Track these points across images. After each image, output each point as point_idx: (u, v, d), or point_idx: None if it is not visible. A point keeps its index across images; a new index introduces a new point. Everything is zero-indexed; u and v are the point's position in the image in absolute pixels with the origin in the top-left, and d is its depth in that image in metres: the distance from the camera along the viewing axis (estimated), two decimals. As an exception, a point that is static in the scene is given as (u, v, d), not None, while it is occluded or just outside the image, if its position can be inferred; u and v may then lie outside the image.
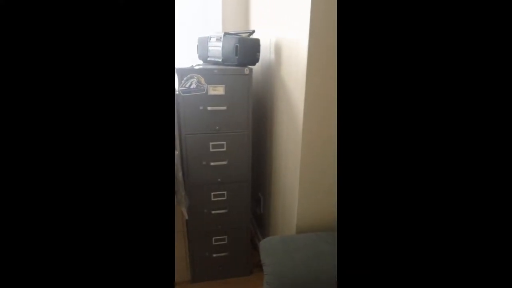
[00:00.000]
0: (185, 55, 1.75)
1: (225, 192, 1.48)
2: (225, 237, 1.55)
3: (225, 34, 1.36)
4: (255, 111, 1.81)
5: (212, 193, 1.46)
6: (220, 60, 1.38)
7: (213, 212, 1.48)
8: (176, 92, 1.29)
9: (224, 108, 1.35)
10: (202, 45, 1.48)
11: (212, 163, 1.41)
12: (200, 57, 1.52)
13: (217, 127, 1.37)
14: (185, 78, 1.27)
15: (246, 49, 1.34)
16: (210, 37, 1.43)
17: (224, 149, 1.41)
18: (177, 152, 1.32)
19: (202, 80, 1.29)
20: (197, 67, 1.32)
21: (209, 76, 1.30)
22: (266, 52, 1.56)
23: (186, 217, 1.40)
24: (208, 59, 1.45)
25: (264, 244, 1.13)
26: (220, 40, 1.37)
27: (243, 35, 1.42)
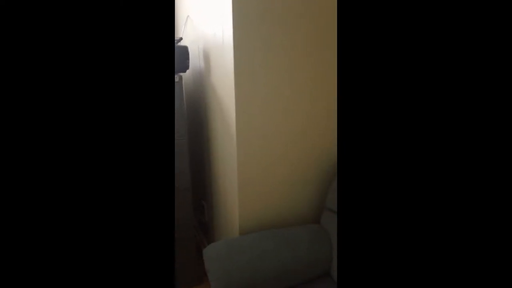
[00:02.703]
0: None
1: (165, 204, 1.43)
2: (170, 250, 1.50)
3: (151, 42, 1.33)
4: (190, 118, 1.79)
5: (151, 206, 1.40)
6: (148, 68, 1.34)
7: (154, 225, 1.42)
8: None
9: (156, 117, 1.31)
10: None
11: (148, 175, 1.35)
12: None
13: (151, 138, 1.33)
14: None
15: (175, 56, 1.32)
16: (136, 46, 1.38)
17: (160, 159, 1.37)
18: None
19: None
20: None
21: (137, 85, 1.26)
22: (195, 59, 1.56)
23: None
24: (135, 68, 1.40)
25: (208, 251, 1.12)
26: (146, 48, 1.33)
27: (170, 42, 1.40)
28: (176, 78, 1.32)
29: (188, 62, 1.38)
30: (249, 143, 1.18)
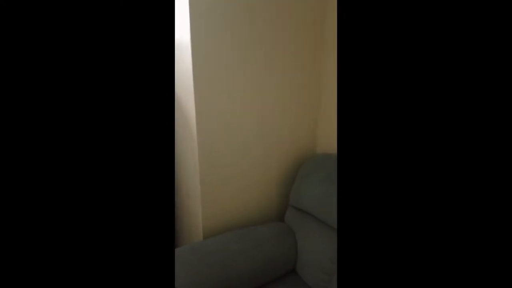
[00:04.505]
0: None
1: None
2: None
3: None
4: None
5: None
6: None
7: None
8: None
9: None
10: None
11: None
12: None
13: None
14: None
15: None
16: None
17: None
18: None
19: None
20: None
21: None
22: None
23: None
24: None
25: (172, 258, 1.08)
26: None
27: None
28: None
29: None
30: (211, 144, 1.17)
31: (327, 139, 1.44)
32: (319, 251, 1.14)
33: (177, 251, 1.12)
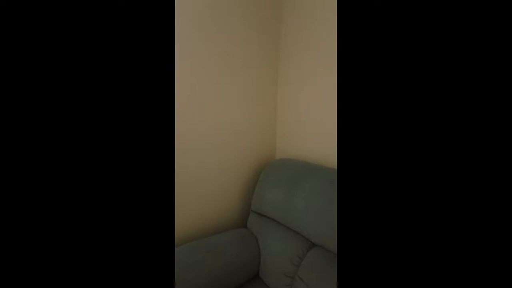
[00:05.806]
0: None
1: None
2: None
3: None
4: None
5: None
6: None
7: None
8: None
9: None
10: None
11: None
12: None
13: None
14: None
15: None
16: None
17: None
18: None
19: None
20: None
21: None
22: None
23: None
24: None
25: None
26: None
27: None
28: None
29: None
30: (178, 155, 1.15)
31: (285, 146, 1.48)
32: (280, 254, 1.16)
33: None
